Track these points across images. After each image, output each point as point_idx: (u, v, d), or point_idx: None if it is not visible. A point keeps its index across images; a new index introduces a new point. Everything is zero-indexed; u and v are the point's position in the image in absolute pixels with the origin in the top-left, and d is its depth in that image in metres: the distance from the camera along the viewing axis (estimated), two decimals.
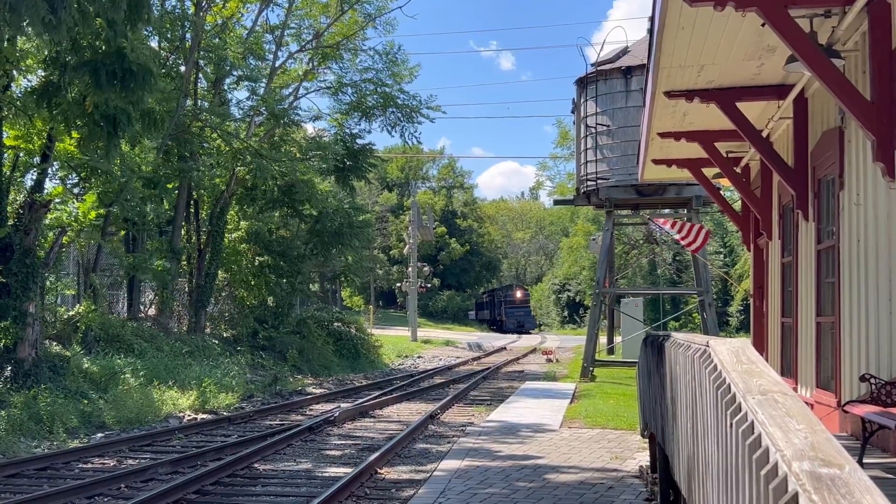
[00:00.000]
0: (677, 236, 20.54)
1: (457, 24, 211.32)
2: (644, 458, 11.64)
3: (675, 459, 6.74)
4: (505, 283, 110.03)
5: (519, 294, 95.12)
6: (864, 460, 7.37)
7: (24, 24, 10.76)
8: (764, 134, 12.82)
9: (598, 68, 27.45)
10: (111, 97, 12.58)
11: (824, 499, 2.07)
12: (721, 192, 18.22)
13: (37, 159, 20.46)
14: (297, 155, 31.05)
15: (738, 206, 18.99)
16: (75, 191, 23.46)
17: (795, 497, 2.26)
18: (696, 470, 5.24)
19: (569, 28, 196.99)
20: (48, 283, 20.27)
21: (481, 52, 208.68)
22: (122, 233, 27.14)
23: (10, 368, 16.87)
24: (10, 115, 18.07)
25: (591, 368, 27.14)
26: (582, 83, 28.21)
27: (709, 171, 15.83)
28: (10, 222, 18.37)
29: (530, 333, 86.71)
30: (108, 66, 12.04)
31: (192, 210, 30.69)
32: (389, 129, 35.05)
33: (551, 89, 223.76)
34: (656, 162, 15.62)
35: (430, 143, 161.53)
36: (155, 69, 13.72)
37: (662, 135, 13.52)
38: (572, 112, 30.40)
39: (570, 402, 19.96)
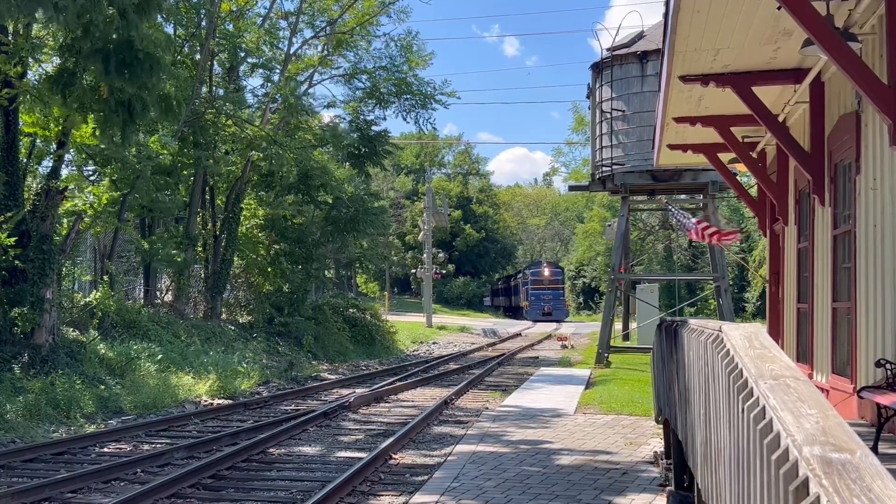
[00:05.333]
0: (692, 221, 20.44)
1: (462, 10, 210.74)
2: (658, 444, 11.62)
3: (689, 445, 6.73)
4: (521, 268, 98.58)
5: (547, 272, 79.50)
6: (879, 446, 7.34)
7: (38, 12, 10.79)
8: (780, 118, 12.72)
9: (614, 53, 27.25)
10: (121, 85, 12.60)
11: (834, 483, 2.05)
12: (737, 177, 18.08)
13: (53, 146, 20.57)
14: (312, 142, 31.05)
15: (754, 191, 18.86)
16: (91, 178, 23.58)
17: (806, 482, 2.25)
18: (709, 455, 5.23)
19: (576, 14, 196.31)
20: (65, 269, 20.39)
21: (486, 37, 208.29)
22: (132, 215, 27.21)
23: (27, 354, 16.99)
24: (27, 102, 18.16)
25: (606, 354, 27.10)
26: (597, 68, 28.03)
27: (725, 157, 15.73)
28: (27, 209, 18.48)
29: (563, 323, 72.50)
30: (117, 54, 12.05)
31: (208, 196, 30.79)
32: (404, 115, 35.03)
33: (560, 74, 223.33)
34: (672, 147, 15.54)
35: (438, 129, 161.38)
36: (165, 57, 13.72)
37: (678, 120, 13.43)
38: (587, 97, 30.23)
39: (585, 388, 19.95)
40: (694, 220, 21.82)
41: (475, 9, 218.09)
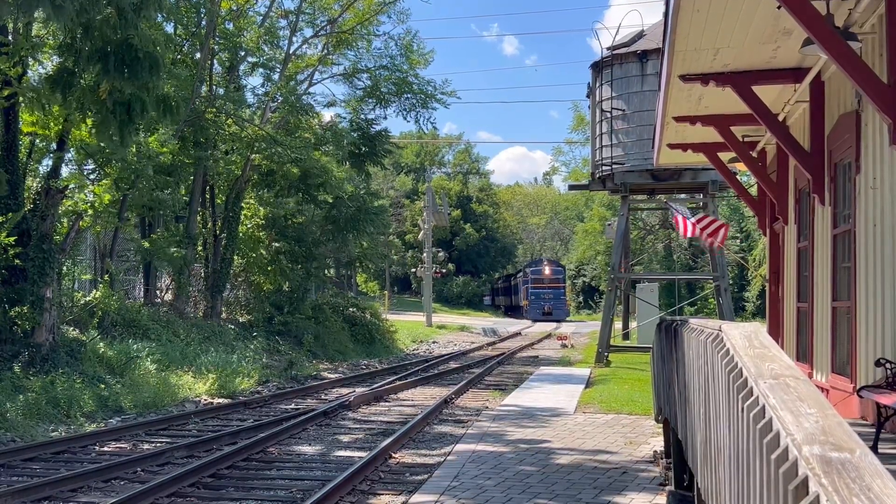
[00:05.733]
0: (693, 220, 20.42)
1: (462, 9, 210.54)
2: (658, 443, 11.62)
3: (689, 444, 6.73)
4: (521, 267, 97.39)
5: (548, 271, 78.39)
6: (879, 446, 7.34)
7: (37, 11, 10.79)
8: (780, 118, 12.72)
9: (614, 52, 27.22)
10: (121, 84, 12.60)
11: (834, 483, 2.05)
12: (737, 176, 18.08)
13: (53, 146, 20.56)
14: (312, 141, 31.05)
15: (753, 190, 18.88)
16: (91, 177, 23.57)
17: (805, 481, 2.24)
18: (708, 454, 5.23)
19: (576, 13, 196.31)
20: (65, 268, 20.39)
21: (486, 37, 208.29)
22: (133, 214, 27.21)
23: (27, 353, 16.99)
24: (27, 102, 18.15)
25: (606, 354, 27.10)
26: (597, 67, 28.02)
27: (725, 156, 15.74)
28: (27, 208, 18.48)
29: (564, 322, 70.79)
30: (117, 53, 12.06)
31: (208, 196, 30.79)
32: (405, 114, 35.03)
33: (559, 74, 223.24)
34: (672, 146, 15.54)
35: (438, 128, 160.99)
36: (165, 56, 13.75)
37: (678, 119, 13.44)
38: (587, 96, 30.22)
39: (585, 387, 19.95)
40: (693, 218, 21.82)
41: (475, 8, 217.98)
